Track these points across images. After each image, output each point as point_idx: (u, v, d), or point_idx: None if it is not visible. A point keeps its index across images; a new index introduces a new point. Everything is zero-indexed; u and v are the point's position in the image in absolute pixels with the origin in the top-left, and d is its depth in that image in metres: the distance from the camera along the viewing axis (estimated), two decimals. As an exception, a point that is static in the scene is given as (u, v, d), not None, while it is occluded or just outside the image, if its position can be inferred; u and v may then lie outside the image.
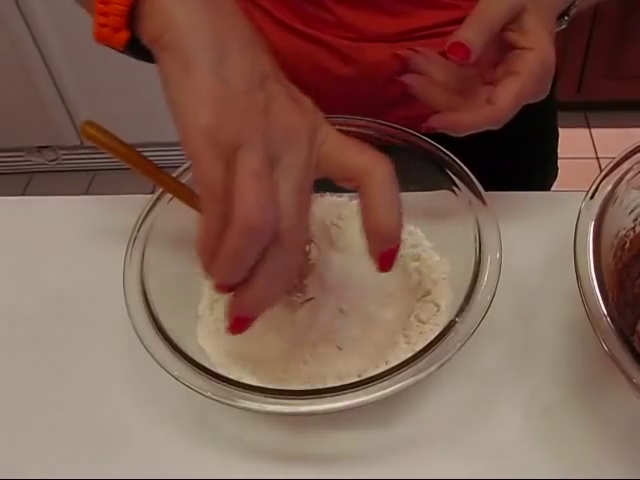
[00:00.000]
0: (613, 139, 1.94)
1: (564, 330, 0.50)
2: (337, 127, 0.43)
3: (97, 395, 0.49)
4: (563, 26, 0.53)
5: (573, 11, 0.53)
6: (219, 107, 0.33)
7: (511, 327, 0.50)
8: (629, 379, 0.36)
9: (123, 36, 0.36)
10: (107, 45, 0.37)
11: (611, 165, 0.44)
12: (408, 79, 0.49)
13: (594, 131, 1.99)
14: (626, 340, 0.37)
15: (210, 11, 0.34)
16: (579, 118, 2.01)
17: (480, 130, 0.46)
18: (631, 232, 0.46)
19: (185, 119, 0.33)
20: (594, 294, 0.39)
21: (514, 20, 0.45)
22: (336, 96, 0.61)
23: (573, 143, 1.91)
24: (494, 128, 0.47)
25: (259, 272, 0.34)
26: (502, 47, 0.47)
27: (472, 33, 0.45)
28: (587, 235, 0.41)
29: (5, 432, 0.48)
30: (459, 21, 0.57)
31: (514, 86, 0.45)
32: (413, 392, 0.46)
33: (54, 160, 2.00)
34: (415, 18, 0.58)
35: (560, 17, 0.52)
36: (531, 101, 0.46)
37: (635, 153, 0.44)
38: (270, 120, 0.34)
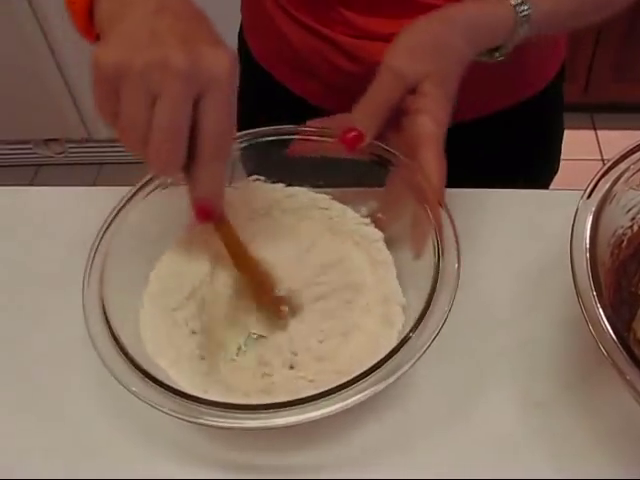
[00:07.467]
0: (619, 141, 1.93)
1: (559, 326, 0.50)
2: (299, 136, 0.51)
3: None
4: (501, 58, 0.53)
5: (505, 50, 0.52)
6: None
7: (507, 323, 0.51)
8: (622, 376, 0.36)
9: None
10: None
11: (609, 164, 0.44)
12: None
13: (600, 133, 1.99)
14: (620, 337, 0.37)
15: None
16: (585, 119, 2.00)
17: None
18: (628, 230, 0.46)
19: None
20: (589, 291, 0.39)
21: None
22: (345, 90, 0.65)
23: (579, 144, 1.90)
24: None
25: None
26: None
27: (364, 118, 0.47)
28: (584, 233, 0.41)
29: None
30: None
31: (430, 160, 0.46)
32: (402, 385, 0.47)
33: (61, 153, 2.01)
34: (409, 20, 0.60)
35: (492, 51, 0.52)
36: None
37: (633, 153, 0.45)
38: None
